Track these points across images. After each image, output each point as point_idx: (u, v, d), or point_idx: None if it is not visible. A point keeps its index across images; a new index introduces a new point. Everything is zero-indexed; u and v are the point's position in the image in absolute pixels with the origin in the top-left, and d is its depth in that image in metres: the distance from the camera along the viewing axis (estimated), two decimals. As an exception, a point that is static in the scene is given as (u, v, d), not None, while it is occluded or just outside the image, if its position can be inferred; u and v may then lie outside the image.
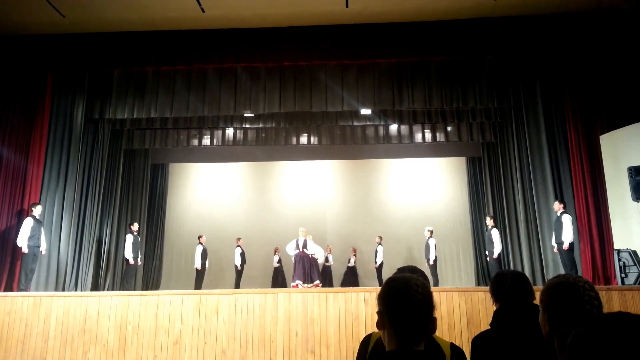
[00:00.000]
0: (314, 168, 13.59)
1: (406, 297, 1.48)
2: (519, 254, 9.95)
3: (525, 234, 9.47)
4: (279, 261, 12.22)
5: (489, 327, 2.28)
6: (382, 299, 1.54)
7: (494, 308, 2.35)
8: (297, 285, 10.45)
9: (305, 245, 10.84)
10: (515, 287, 2.29)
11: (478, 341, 2.26)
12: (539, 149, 8.85)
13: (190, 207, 13.49)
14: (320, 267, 11.48)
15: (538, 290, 1.91)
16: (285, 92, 9.15)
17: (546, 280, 8.16)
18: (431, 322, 1.49)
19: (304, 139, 11.87)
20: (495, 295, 2.34)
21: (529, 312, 2.12)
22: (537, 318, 1.75)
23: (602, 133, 8.19)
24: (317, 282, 10.70)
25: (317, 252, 11.07)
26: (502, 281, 2.33)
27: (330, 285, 11.83)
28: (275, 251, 12.32)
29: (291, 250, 10.93)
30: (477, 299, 6.01)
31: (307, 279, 10.53)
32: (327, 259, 12.31)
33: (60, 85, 9.26)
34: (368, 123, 11.22)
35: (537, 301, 2.33)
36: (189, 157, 13.11)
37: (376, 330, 2.02)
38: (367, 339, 2.12)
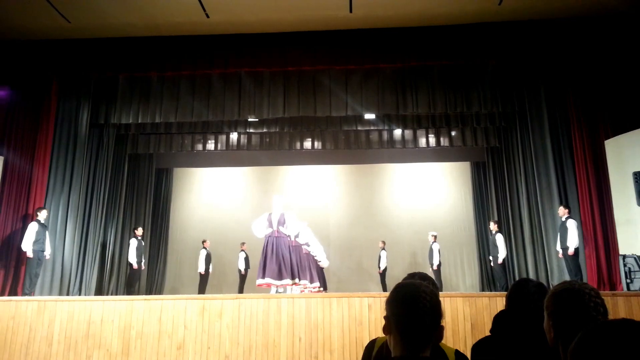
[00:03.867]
0: (317, 173, 13.59)
1: (414, 304, 1.47)
2: (523, 260, 9.90)
3: (530, 239, 9.43)
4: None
5: (489, 334, 2.26)
6: (390, 304, 1.53)
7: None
8: (269, 286, 7.73)
9: (282, 223, 7.91)
10: (540, 298, 2.20)
11: (478, 348, 2.24)
12: (543, 153, 8.82)
13: (194, 212, 13.50)
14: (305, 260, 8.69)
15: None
16: (289, 97, 9.17)
17: (551, 286, 8.13)
18: (438, 330, 1.48)
19: (307, 144, 11.87)
20: (511, 302, 2.28)
21: (530, 318, 2.10)
22: (540, 323, 1.74)
23: (607, 138, 8.16)
24: (304, 282, 8.04)
25: (303, 234, 8.32)
26: (520, 289, 2.26)
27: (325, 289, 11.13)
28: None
29: (260, 230, 7.86)
30: (481, 304, 5.98)
31: (284, 274, 7.64)
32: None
33: (66, 90, 9.31)
34: (372, 128, 11.22)
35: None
36: (193, 162, 13.14)
37: (380, 335, 2.01)
38: (371, 344, 2.11)
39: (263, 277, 7.75)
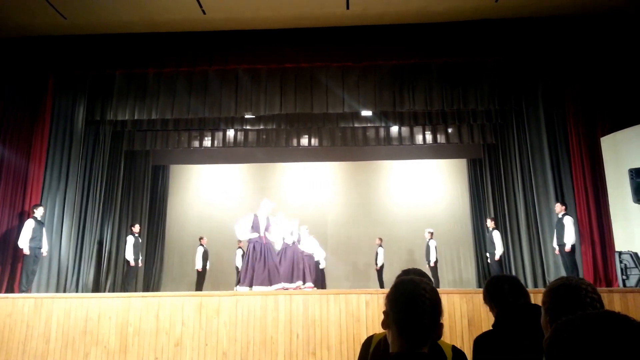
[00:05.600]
0: (314, 170, 13.59)
1: (414, 301, 1.48)
2: (520, 256, 9.94)
3: (526, 236, 9.46)
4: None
5: (491, 328, 2.28)
6: (390, 300, 1.54)
7: (492, 312, 2.36)
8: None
9: (267, 228, 7.77)
10: (513, 291, 2.30)
11: (480, 341, 2.26)
12: (540, 150, 8.85)
13: (191, 209, 13.49)
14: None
15: (539, 292, 1.91)
16: (286, 94, 9.16)
17: (547, 282, 8.16)
18: (437, 328, 1.49)
19: (304, 141, 11.87)
20: (495, 301, 2.35)
21: (530, 313, 2.13)
22: (539, 319, 1.75)
23: (603, 135, 8.19)
24: (298, 283, 7.92)
25: (304, 238, 8.40)
26: (499, 287, 2.35)
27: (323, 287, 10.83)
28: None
29: (244, 233, 7.67)
30: (478, 300, 6.00)
31: (274, 280, 7.49)
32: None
33: (62, 87, 9.27)
34: (369, 125, 11.22)
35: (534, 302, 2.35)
36: (190, 159, 13.11)
37: (377, 332, 2.02)
38: (369, 340, 2.12)
39: (251, 285, 7.39)
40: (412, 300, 1.48)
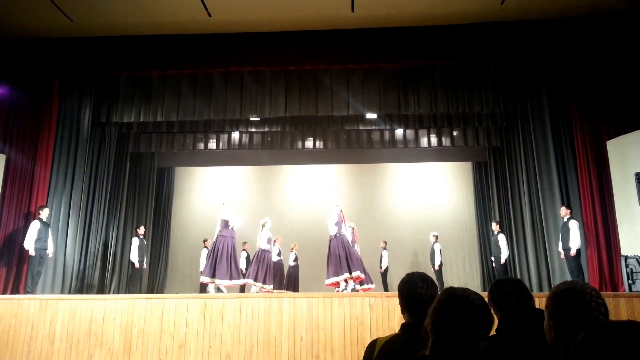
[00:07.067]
0: (319, 172, 13.59)
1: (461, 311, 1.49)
2: (525, 260, 9.89)
3: (532, 240, 9.42)
4: (295, 259, 11.71)
5: (494, 333, 2.27)
6: (440, 309, 1.56)
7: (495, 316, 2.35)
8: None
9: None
10: (517, 294, 2.29)
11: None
12: (545, 153, 8.80)
13: (196, 211, 13.51)
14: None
15: (545, 296, 1.90)
16: (291, 96, 9.17)
17: (552, 286, 8.10)
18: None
19: (309, 143, 11.87)
20: (498, 304, 2.34)
21: (534, 318, 2.11)
22: (542, 324, 1.74)
23: (609, 138, 8.14)
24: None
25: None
26: (503, 290, 2.35)
27: (295, 288, 11.00)
28: (292, 248, 11.71)
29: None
30: (482, 304, 5.98)
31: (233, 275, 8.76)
32: (296, 258, 11.54)
33: (68, 89, 9.31)
34: (373, 127, 11.21)
35: (537, 306, 2.34)
36: (195, 161, 13.14)
37: (381, 335, 2.01)
38: (373, 344, 2.11)
39: (213, 276, 8.50)
40: (460, 310, 1.49)
